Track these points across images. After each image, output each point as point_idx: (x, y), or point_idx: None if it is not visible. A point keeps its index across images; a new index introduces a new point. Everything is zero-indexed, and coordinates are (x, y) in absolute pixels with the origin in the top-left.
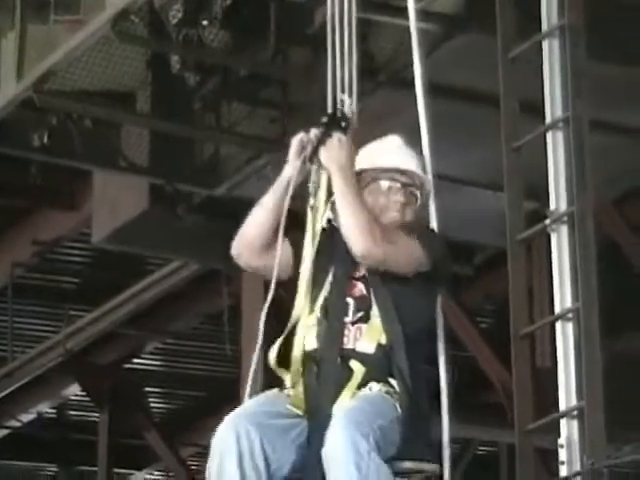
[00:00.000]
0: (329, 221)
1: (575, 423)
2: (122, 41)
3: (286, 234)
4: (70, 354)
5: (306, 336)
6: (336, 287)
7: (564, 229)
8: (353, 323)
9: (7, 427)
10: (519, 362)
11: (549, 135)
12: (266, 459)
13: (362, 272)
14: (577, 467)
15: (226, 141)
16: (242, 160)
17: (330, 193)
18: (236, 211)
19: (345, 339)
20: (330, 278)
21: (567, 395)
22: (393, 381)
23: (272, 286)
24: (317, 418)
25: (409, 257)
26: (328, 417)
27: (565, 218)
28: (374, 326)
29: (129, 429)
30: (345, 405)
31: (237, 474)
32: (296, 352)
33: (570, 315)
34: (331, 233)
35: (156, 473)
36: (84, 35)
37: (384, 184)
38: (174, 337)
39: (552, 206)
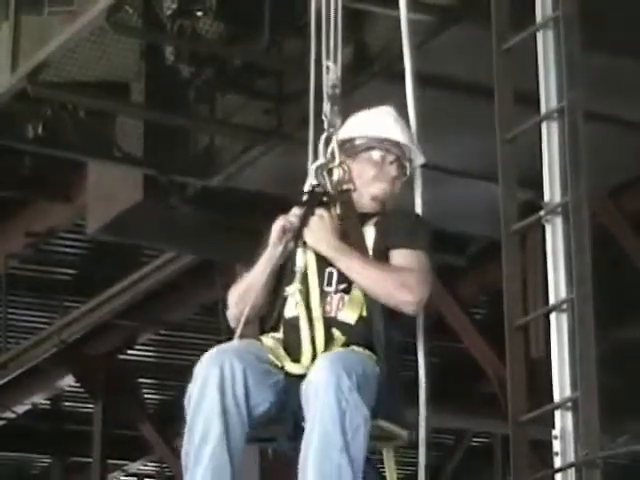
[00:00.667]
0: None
1: (569, 414)
2: (116, 32)
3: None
4: (64, 345)
5: (286, 304)
6: (320, 256)
7: (558, 220)
8: (335, 292)
9: (1, 418)
10: (513, 353)
11: (544, 126)
12: (247, 390)
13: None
14: (571, 458)
15: (220, 132)
16: (237, 151)
17: (320, 274)
18: (231, 202)
19: (327, 307)
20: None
21: (561, 386)
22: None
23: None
24: (294, 377)
25: (426, 268)
26: (304, 376)
27: (559, 209)
28: (356, 298)
29: (123, 420)
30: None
31: (217, 399)
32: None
33: (564, 306)
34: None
35: (150, 464)
36: (78, 26)
37: (376, 154)
38: (168, 328)
39: (546, 197)
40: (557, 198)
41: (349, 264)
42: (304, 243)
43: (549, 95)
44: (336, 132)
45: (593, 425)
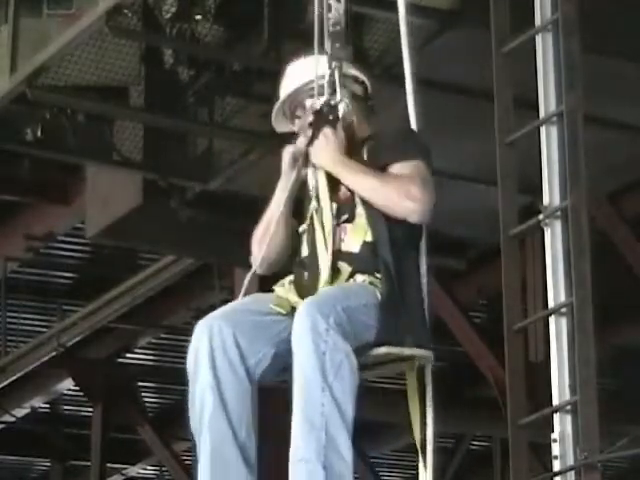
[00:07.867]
0: None
1: (569, 417)
2: (115, 35)
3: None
4: (63, 349)
5: (300, 245)
6: (331, 177)
7: (558, 224)
8: (338, 224)
9: (1, 422)
10: (512, 357)
11: (543, 129)
12: (241, 353)
13: None
14: (571, 461)
15: (219, 135)
16: (235, 154)
17: (332, 191)
18: (230, 205)
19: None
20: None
21: (561, 389)
22: (379, 275)
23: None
24: None
25: (427, 176)
26: None
27: (559, 213)
28: (359, 225)
29: (122, 424)
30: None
31: (209, 370)
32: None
33: (564, 310)
34: None
35: (149, 468)
36: (77, 29)
37: (307, 103)
38: (168, 332)
39: (546, 201)
40: (556, 202)
41: (354, 178)
42: (313, 165)
43: (548, 99)
44: (340, 66)
45: (592, 428)
